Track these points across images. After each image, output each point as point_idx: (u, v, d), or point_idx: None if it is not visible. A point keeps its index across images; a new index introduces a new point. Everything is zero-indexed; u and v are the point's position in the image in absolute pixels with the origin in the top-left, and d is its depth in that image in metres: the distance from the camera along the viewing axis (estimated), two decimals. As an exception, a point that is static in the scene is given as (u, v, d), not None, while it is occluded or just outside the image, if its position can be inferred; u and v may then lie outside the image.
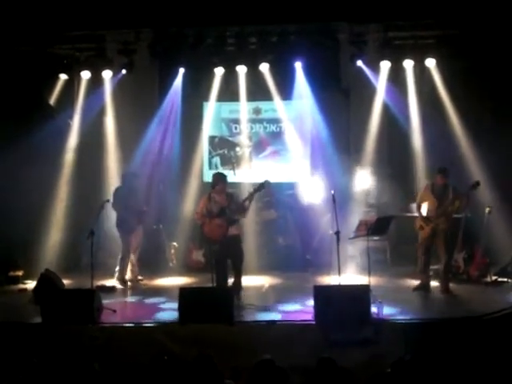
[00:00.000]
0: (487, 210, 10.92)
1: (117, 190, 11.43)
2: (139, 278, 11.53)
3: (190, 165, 13.57)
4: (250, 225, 10.51)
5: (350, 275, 10.16)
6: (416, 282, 10.41)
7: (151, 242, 12.03)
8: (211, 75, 13.12)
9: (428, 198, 10.18)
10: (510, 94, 11.76)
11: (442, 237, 10.01)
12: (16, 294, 10.83)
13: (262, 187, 10.07)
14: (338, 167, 12.29)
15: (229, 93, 13.46)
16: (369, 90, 12.80)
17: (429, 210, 10.09)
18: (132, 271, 11.47)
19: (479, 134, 11.91)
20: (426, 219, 10.10)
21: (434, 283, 10.33)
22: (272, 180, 13.01)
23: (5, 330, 8.13)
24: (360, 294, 8.24)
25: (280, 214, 12.82)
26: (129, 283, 11.29)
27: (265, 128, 14.06)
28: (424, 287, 10.18)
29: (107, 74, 12.83)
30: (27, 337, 8.00)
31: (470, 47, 11.60)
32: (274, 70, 12.91)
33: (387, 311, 8.48)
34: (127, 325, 8.44)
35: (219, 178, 10.12)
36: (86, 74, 12.87)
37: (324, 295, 8.31)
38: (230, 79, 13.19)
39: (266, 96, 13.44)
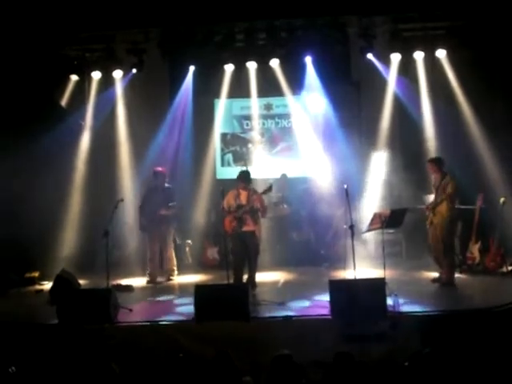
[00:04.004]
0: (502, 200, 10.88)
1: (144, 192, 11.62)
2: (170, 277, 11.59)
3: (203, 162, 13.62)
4: (263, 221, 10.51)
5: (365, 269, 10.13)
6: (432, 274, 10.40)
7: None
8: (221, 72, 13.14)
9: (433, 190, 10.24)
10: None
11: (438, 229, 9.97)
12: (32, 295, 10.87)
13: (270, 190, 10.10)
14: (350, 160, 12.27)
15: (239, 89, 13.46)
16: (379, 83, 12.78)
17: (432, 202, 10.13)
18: (166, 270, 11.62)
19: (491, 123, 11.87)
20: (428, 210, 10.13)
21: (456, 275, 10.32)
22: (287, 174, 13.16)
23: (22, 331, 8.16)
24: (376, 288, 8.21)
25: (293, 209, 12.82)
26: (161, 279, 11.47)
27: (276, 123, 14.09)
28: (440, 280, 10.16)
29: (118, 74, 12.89)
30: (44, 337, 8.03)
31: (479, 36, 11.55)
32: (284, 65, 12.92)
33: (403, 304, 8.45)
34: (143, 324, 8.45)
35: (241, 176, 10.24)
36: (96, 75, 12.96)
37: (339, 289, 8.29)
38: (240, 76, 13.19)
39: (276, 91, 13.46)
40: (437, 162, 10.20)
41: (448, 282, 9.88)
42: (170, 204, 11.29)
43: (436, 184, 10.10)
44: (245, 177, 10.24)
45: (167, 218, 11.36)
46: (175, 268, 11.66)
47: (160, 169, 11.48)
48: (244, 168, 11.10)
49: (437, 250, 10.13)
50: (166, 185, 11.45)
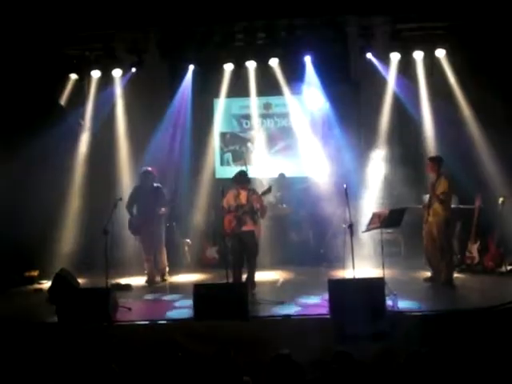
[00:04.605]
0: (500, 200, 10.90)
1: (131, 191, 11.53)
2: (164, 277, 11.52)
3: (202, 162, 13.64)
4: (262, 220, 10.52)
5: (364, 268, 10.14)
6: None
7: (165, 240, 11.95)
8: (221, 71, 13.14)
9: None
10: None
11: (434, 228, 9.99)
12: (32, 294, 10.90)
13: (269, 191, 10.08)
14: (350, 160, 12.27)
15: (238, 88, 13.46)
16: (379, 82, 12.79)
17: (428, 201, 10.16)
18: (158, 270, 11.51)
19: (491, 123, 11.86)
20: (424, 209, 10.17)
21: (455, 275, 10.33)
22: (286, 174, 13.13)
23: (21, 330, 8.17)
24: (375, 287, 8.22)
25: (293, 208, 12.81)
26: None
27: (275, 123, 14.08)
28: (433, 279, 10.19)
29: (117, 73, 12.89)
30: (43, 336, 8.03)
31: (479, 36, 11.54)
32: (283, 65, 12.90)
33: (402, 304, 8.46)
34: (142, 323, 8.46)
35: (240, 177, 10.20)
36: (96, 74, 12.94)
37: (339, 289, 8.31)
38: (239, 75, 13.18)
39: (275, 91, 13.45)
40: (438, 161, 10.22)
41: (447, 281, 9.89)
42: (164, 203, 11.31)
43: (432, 183, 10.13)
44: (241, 177, 10.21)
45: (159, 218, 11.37)
46: (167, 268, 11.61)
47: (149, 169, 11.43)
48: (243, 167, 11.06)
49: (429, 250, 10.16)
50: (155, 184, 11.43)
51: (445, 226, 9.96)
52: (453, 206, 10.59)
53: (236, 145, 14.18)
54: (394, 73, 12.69)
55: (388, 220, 9.39)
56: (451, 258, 10.20)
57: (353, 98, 13.45)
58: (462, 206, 11.20)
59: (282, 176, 13.20)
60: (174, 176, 13.02)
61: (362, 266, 9.96)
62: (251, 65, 12.92)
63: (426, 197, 10.40)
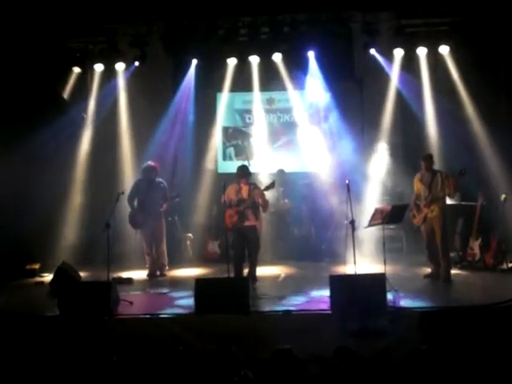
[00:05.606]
0: (503, 197, 10.88)
1: (132, 184, 11.50)
2: (162, 273, 11.48)
3: (204, 156, 13.63)
4: (264, 215, 10.52)
5: (366, 264, 10.14)
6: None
7: (167, 234, 11.95)
8: (224, 66, 13.14)
9: (418, 186, 10.21)
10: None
11: (436, 225, 9.98)
12: (33, 287, 10.89)
13: (272, 186, 10.07)
14: (353, 156, 12.25)
15: (242, 83, 13.45)
16: (382, 79, 12.77)
17: (421, 198, 10.11)
18: (158, 264, 11.46)
19: (494, 120, 11.86)
20: (417, 207, 10.12)
21: (452, 271, 10.29)
22: (286, 170, 13.12)
23: (22, 323, 8.17)
24: (376, 283, 8.22)
25: (294, 204, 12.80)
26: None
27: (278, 118, 14.06)
28: (433, 276, 10.18)
29: (120, 67, 12.90)
30: (44, 329, 8.03)
31: (482, 33, 11.52)
32: (286, 60, 12.91)
33: (403, 300, 8.45)
34: (144, 316, 8.47)
35: (241, 171, 10.21)
36: (99, 67, 12.94)
37: (340, 284, 8.31)
38: (242, 70, 13.18)
39: (279, 86, 13.43)
40: (432, 158, 10.25)
41: (445, 278, 9.89)
42: (165, 199, 11.30)
43: (427, 180, 10.09)
44: (243, 171, 10.22)
45: (160, 213, 11.36)
46: (166, 263, 11.57)
47: (152, 163, 11.41)
48: (245, 162, 11.06)
49: (431, 246, 10.15)
50: (158, 179, 11.41)
51: (444, 221, 9.98)
52: (455, 202, 10.58)
53: (238, 139, 14.16)
54: (397, 69, 12.68)
55: (390, 216, 9.38)
56: (449, 254, 10.21)
57: (356, 93, 13.44)
58: (464, 203, 11.20)
59: (281, 172, 13.16)
60: (176, 170, 13.01)
61: (364, 261, 9.97)
62: (254, 59, 12.92)
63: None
